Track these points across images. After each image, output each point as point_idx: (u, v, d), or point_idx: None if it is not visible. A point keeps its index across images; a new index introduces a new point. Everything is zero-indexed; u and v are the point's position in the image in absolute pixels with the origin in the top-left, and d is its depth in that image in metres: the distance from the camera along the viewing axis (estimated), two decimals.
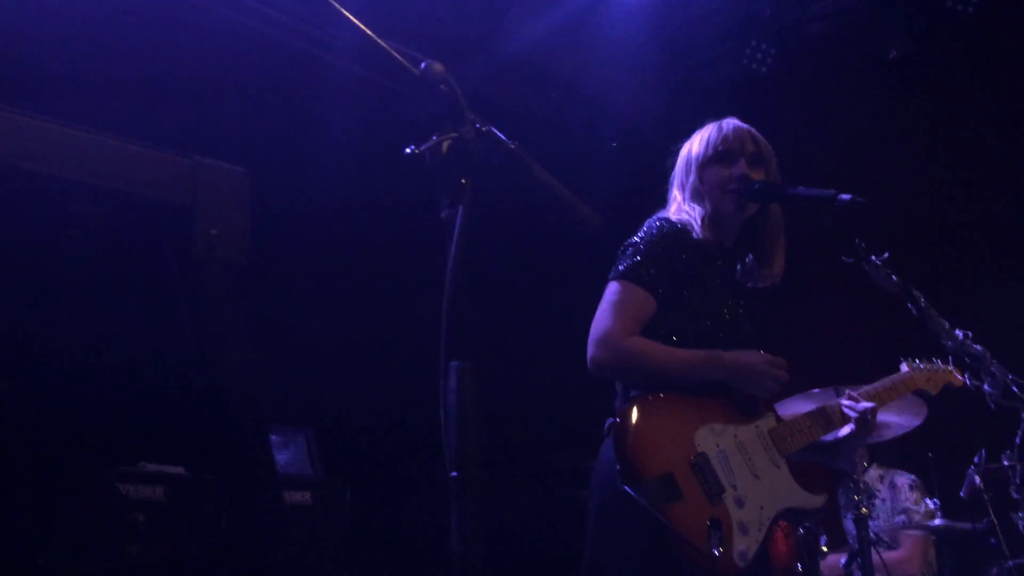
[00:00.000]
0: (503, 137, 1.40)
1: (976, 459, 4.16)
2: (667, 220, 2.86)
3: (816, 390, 4.06)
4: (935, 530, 4.41)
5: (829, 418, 2.97)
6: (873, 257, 2.71)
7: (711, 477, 2.61)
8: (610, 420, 2.74)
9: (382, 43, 1.33)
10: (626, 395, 2.79)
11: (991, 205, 5.88)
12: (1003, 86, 5.92)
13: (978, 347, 2.77)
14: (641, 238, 2.82)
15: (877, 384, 3.23)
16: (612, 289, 2.77)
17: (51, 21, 3.87)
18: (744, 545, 2.56)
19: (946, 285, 4.51)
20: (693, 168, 2.92)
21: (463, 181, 1.32)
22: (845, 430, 2.98)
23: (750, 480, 2.68)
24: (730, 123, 2.96)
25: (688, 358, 2.71)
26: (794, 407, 3.82)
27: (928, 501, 4.56)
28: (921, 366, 3.42)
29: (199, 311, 0.98)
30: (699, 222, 2.83)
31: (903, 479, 4.97)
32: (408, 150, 1.36)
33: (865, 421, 2.95)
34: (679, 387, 2.70)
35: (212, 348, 0.99)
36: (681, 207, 2.91)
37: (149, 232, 1.00)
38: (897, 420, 4.24)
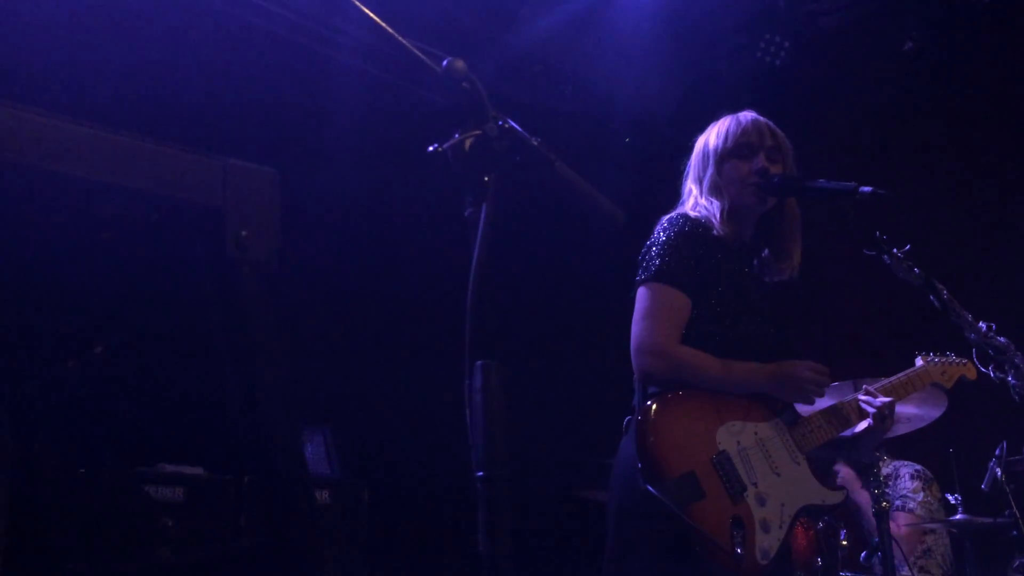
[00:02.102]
0: (525, 134, 1.38)
1: (998, 452, 4.12)
2: (686, 216, 2.82)
3: (835, 383, 4.03)
4: (956, 524, 4.37)
5: (847, 415, 2.94)
6: (895, 249, 2.68)
7: (733, 475, 2.59)
8: (628, 418, 2.72)
9: (404, 41, 1.32)
10: (644, 392, 2.77)
11: (1011, 195, 5.83)
12: (1020, 76, 5.86)
13: (1002, 339, 2.74)
14: (664, 238, 2.77)
15: (893, 378, 3.21)
16: (646, 293, 2.73)
17: (65, 28, 3.89)
18: (767, 543, 2.54)
19: (968, 277, 4.47)
20: (711, 161, 2.88)
21: (486, 179, 1.31)
22: (863, 425, 2.96)
23: (771, 477, 2.67)
24: (748, 116, 2.92)
25: (738, 372, 2.69)
26: None
27: (949, 495, 4.53)
28: (935, 359, 3.39)
29: (231, 313, 0.97)
30: (719, 217, 2.80)
31: (906, 468, 4.94)
32: (431, 148, 1.35)
33: (883, 416, 2.93)
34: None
35: (245, 349, 0.98)
36: (699, 201, 2.87)
37: (180, 233, 1.00)
38: (917, 412, 4.21)
